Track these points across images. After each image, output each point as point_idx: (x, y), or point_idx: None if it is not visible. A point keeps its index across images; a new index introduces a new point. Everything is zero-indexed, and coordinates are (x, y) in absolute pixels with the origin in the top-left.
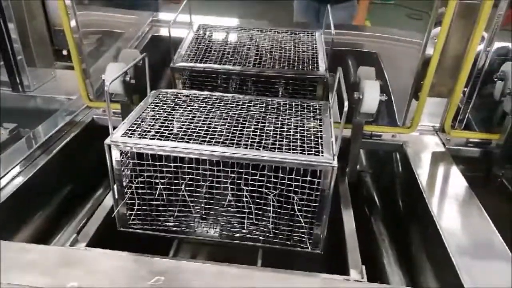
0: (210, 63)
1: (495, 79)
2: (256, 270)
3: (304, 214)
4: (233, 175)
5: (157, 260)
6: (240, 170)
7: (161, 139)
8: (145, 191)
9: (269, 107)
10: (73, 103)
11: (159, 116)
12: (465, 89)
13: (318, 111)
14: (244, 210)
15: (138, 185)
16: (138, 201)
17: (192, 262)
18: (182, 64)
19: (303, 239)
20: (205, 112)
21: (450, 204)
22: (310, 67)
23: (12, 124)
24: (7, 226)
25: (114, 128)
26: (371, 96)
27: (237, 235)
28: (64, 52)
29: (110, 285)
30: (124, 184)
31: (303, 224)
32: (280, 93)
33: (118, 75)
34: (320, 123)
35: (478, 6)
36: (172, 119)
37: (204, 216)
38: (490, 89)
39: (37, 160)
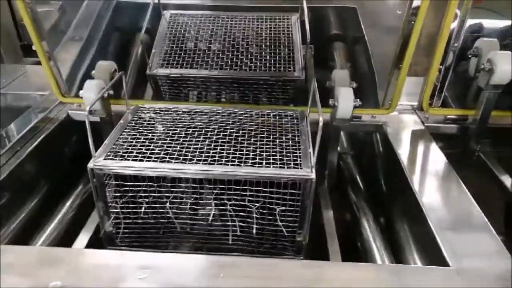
0: (187, 67)
1: (469, 56)
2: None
3: (286, 224)
4: (215, 191)
5: (143, 254)
6: (222, 186)
7: (143, 160)
8: (129, 210)
9: (248, 118)
10: (46, 99)
11: (139, 135)
12: (441, 66)
13: (295, 120)
14: (228, 223)
15: (122, 205)
16: (124, 220)
17: (179, 254)
18: (158, 71)
19: (286, 247)
20: (185, 128)
21: (431, 180)
22: (287, 67)
23: None
24: None
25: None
26: (345, 104)
27: (223, 246)
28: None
29: (93, 282)
30: (109, 204)
31: (286, 234)
32: (257, 93)
33: (97, 99)
34: (298, 133)
35: None
36: (152, 137)
37: (189, 231)
38: (464, 66)
39: (11, 160)
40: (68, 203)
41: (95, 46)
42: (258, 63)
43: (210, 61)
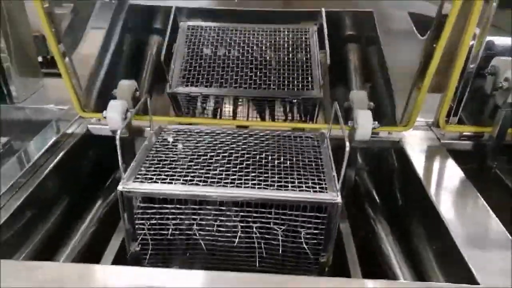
0: (207, 85)
1: (486, 74)
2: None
3: (310, 246)
4: (242, 213)
5: (175, 272)
6: (249, 208)
7: (171, 182)
8: (157, 231)
9: (269, 140)
10: (66, 113)
11: (165, 157)
12: (458, 84)
13: (316, 142)
14: (254, 245)
15: (150, 226)
16: (151, 242)
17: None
18: (178, 89)
19: (310, 268)
20: (210, 150)
21: (451, 195)
22: (305, 86)
23: (4, 138)
24: (9, 245)
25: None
26: (364, 126)
27: (247, 267)
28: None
29: None
30: (136, 225)
31: (311, 256)
32: (275, 110)
33: (123, 124)
34: (320, 155)
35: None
36: (178, 159)
37: (215, 253)
38: (481, 84)
39: (34, 176)
40: (88, 218)
41: (112, 59)
42: (276, 81)
43: (229, 79)
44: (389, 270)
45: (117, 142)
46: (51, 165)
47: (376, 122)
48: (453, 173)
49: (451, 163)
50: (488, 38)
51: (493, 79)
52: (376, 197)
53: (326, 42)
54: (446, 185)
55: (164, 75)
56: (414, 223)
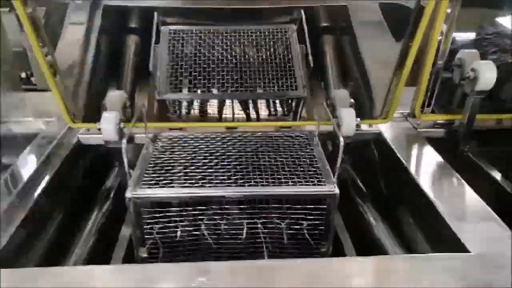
0: (194, 90)
1: (453, 66)
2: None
3: (312, 237)
4: (247, 210)
5: (195, 265)
6: (253, 205)
7: (177, 187)
8: (165, 235)
9: (263, 141)
10: (53, 125)
11: (166, 163)
12: (429, 77)
13: (306, 140)
14: (260, 240)
15: (159, 230)
16: (162, 245)
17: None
18: (168, 96)
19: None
20: (208, 154)
21: (433, 176)
22: (289, 86)
23: None
24: (17, 255)
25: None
26: (349, 124)
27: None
28: (23, 75)
29: None
30: (145, 230)
31: (313, 246)
32: (262, 110)
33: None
34: (312, 152)
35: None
36: (179, 165)
37: (223, 249)
38: (449, 76)
39: (31, 190)
40: (87, 229)
41: (95, 68)
42: (261, 82)
43: (215, 82)
44: (381, 250)
45: (123, 152)
46: (50, 175)
47: (359, 119)
48: (432, 157)
49: (428, 149)
50: (455, 34)
51: (460, 70)
52: (362, 186)
53: (308, 45)
54: (427, 168)
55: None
56: (402, 205)
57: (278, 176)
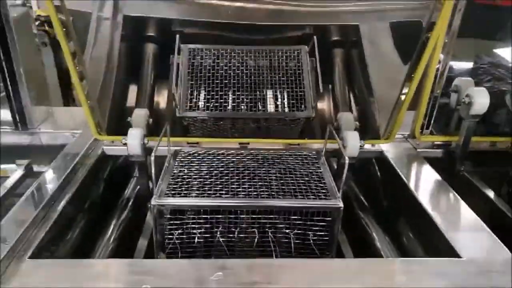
0: (212, 109)
1: (450, 92)
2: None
3: (318, 247)
4: (258, 220)
5: (214, 261)
6: (264, 216)
7: (197, 197)
8: (184, 240)
9: (274, 158)
10: (81, 137)
11: (187, 176)
12: (428, 101)
13: (314, 158)
14: (269, 248)
15: (178, 236)
16: (180, 250)
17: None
18: (187, 114)
19: None
20: (224, 168)
21: (431, 192)
22: (299, 106)
23: (25, 161)
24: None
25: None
26: (353, 146)
27: None
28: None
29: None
30: (165, 236)
31: (318, 255)
32: (272, 129)
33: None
34: (319, 170)
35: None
36: (199, 178)
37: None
38: (447, 100)
39: (61, 196)
40: (106, 237)
41: (119, 85)
42: (272, 103)
43: (230, 102)
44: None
45: (152, 165)
46: (78, 184)
47: (362, 141)
48: (430, 175)
49: (427, 167)
50: (452, 62)
51: (456, 95)
52: (364, 200)
53: (318, 69)
54: (426, 185)
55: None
56: (401, 218)
57: (288, 190)
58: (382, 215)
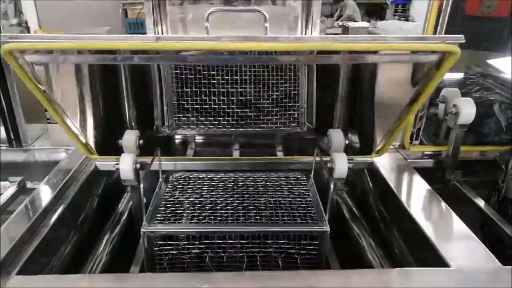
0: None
1: (438, 102)
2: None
3: (306, 269)
4: (247, 245)
5: (204, 275)
6: (252, 241)
7: (186, 223)
8: (174, 265)
9: (263, 181)
10: (74, 153)
11: (177, 201)
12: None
13: (302, 181)
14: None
15: (168, 261)
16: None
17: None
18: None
19: None
20: (213, 193)
21: (420, 202)
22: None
23: (18, 177)
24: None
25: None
26: (341, 168)
27: None
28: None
29: None
30: (156, 261)
31: None
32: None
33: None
34: (308, 193)
35: None
36: (189, 203)
37: None
38: (435, 111)
39: (50, 214)
40: (99, 250)
41: (102, 103)
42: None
43: (221, 120)
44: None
45: (141, 193)
46: (70, 198)
47: (351, 164)
48: (420, 185)
49: (417, 177)
50: None
51: (444, 106)
52: (355, 210)
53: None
54: (415, 194)
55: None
56: (391, 227)
57: (276, 214)
58: (372, 224)
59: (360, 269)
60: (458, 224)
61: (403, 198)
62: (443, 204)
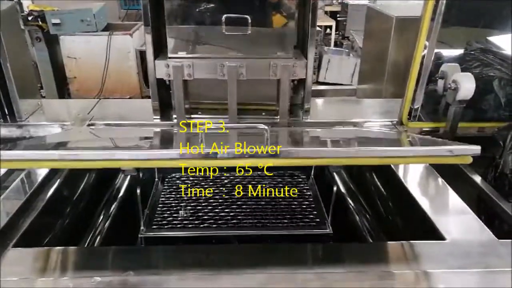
0: None
1: (437, 78)
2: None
3: None
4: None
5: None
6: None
7: (184, 227)
8: None
9: (262, 179)
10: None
11: (175, 204)
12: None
13: (303, 182)
14: None
15: None
16: None
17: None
18: None
19: None
20: (211, 192)
21: (418, 178)
22: None
23: None
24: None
25: None
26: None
27: None
28: None
29: None
30: None
31: None
32: None
33: None
34: (309, 194)
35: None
36: (187, 205)
37: None
38: (434, 87)
39: (45, 189)
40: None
41: None
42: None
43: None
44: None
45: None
46: (64, 175)
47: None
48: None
49: None
50: (438, 50)
51: (443, 82)
52: (352, 187)
53: None
54: (413, 170)
55: None
56: (389, 203)
57: (277, 216)
58: (369, 199)
59: (357, 243)
60: (454, 199)
61: (400, 173)
62: (440, 179)
